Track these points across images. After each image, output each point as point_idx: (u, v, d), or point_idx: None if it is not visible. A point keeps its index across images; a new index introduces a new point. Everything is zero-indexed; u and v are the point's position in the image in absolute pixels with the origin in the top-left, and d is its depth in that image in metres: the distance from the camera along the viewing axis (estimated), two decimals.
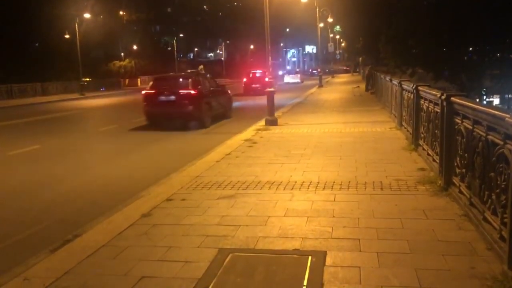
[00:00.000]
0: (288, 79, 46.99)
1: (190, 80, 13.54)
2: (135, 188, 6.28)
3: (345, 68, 78.47)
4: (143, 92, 13.81)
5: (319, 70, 38.65)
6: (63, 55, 43.53)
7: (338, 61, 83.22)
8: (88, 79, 44.52)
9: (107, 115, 20.70)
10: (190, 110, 12.83)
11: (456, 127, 4.82)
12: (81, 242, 4.16)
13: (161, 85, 13.71)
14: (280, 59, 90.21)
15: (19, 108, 26.06)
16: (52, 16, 41.85)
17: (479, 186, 3.95)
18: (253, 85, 28.02)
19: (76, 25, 38.73)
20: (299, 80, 46.39)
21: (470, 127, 4.22)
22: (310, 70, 71.98)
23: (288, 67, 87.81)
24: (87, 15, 43.14)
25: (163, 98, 13.17)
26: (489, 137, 3.67)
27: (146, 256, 3.76)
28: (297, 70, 70.26)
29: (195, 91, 13.12)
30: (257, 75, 29.39)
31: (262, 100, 14.50)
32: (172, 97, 13.08)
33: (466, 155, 4.43)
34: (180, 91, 13.11)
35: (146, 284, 3.27)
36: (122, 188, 6.57)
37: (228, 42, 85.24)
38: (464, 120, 4.50)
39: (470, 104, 4.31)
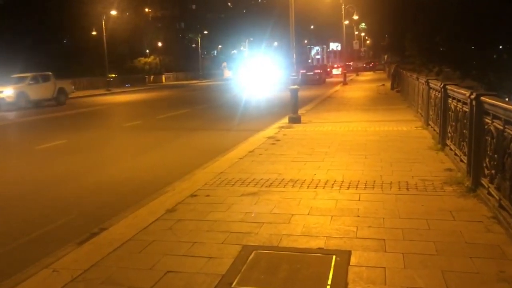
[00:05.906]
0: (334, 71, 59.43)
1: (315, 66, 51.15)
2: (159, 183, 6.36)
3: (364, 65, 75.82)
4: (301, 70, 38.15)
5: (371, 64, 47.16)
6: (90, 51, 44.39)
7: (362, 58, 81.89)
8: (113, 75, 45.24)
9: (132, 111, 20.99)
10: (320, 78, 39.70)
11: (485, 127, 4.70)
12: (108, 236, 4.24)
13: (308, 68, 43.42)
14: (304, 56, 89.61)
15: None
16: (80, 13, 42.65)
17: (510, 188, 3.85)
18: None
19: (103, 22, 39.40)
20: (340, 72, 57.17)
21: (501, 127, 4.12)
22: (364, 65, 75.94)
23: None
24: (113, 12, 43.80)
25: (310, 73, 39.95)
26: None
27: (171, 250, 3.80)
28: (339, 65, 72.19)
29: (320, 70, 42.22)
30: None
31: None
32: (312, 73, 40.17)
33: (496, 155, 4.32)
34: (315, 70, 41.55)
35: (171, 279, 3.31)
36: (146, 183, 6.66)
37: (251, 39, 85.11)
38: (494, 120, 4.39)
39: (501, 104, 4.20)
